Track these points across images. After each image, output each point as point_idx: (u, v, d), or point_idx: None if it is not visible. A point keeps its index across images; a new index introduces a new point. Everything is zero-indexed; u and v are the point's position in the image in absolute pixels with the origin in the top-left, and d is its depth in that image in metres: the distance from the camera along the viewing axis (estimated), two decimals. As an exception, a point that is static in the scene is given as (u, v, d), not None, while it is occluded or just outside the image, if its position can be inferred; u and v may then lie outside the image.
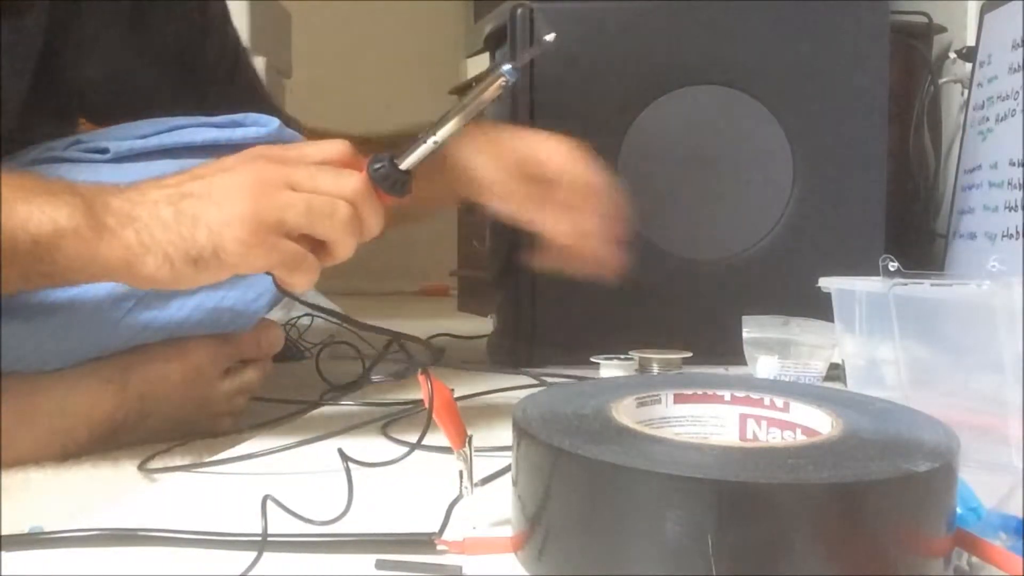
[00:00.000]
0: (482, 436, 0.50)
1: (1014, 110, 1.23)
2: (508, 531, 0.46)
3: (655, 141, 1.11)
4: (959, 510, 0.41)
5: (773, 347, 0.94)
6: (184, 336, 0.71)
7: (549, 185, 0.85)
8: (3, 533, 0.47)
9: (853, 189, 1.13)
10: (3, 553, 0.45)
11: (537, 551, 0.42)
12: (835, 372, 0.94)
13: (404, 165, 0.61)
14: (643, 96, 1.11)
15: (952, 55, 1.47)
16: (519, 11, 1.11)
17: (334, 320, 0.69)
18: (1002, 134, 1.25)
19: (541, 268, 0.87)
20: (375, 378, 0.96)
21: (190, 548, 0.46)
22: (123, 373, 0.68)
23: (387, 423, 0.74)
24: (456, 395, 0.50)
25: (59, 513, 0.53)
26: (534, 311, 1.12)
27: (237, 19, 1.79)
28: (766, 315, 0.96)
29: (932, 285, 0.73)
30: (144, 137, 0.70)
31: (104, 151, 0.69)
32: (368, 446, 0.66)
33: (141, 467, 0.63)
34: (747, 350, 0.96)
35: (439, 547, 0.45)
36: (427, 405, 0.48)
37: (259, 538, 0.43)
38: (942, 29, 1.50)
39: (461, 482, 0.48)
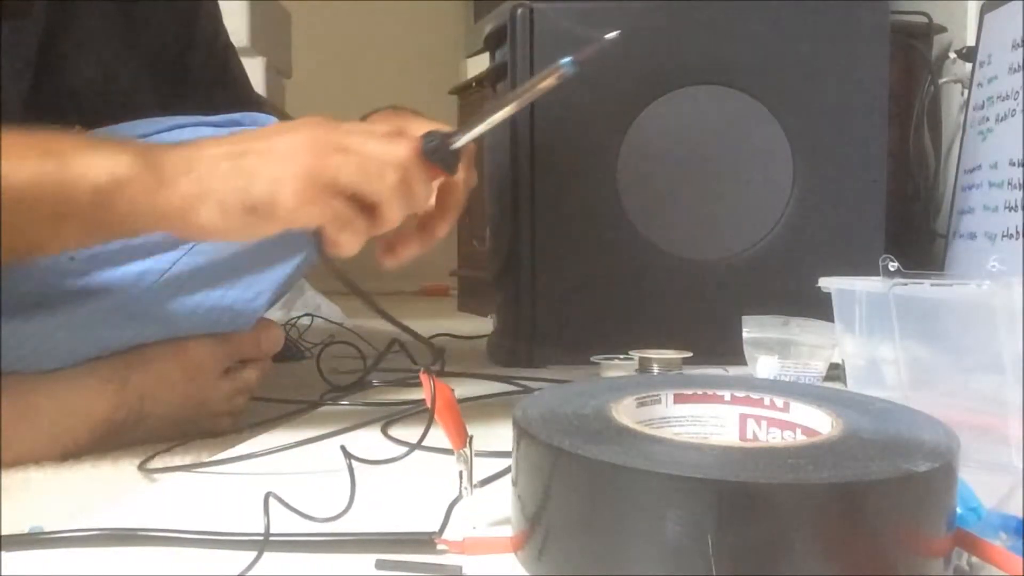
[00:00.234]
0: (482, 437, 0.50)
1: (1014, 110, 1.23)
2: (508, 531, 0.46)
3: (655, 141, 1.11)
4: (959, 510, 0.41)
5: (773, 347, 0.94)
6: (184, 336, 0.71)
7: None
8: (3, 533, 0.47)
9: (853, 189, 1.13)
10: (3, 553, 0.45)
11: (537, 551, 0.42)
12: (835, 372, 0.94)
13: (456, 144, 0.64)
14: (643, 96, 1.11)
15: (952, 55, 1.47)
16: (519, 11, 1.11)
17: (387, 317, 0.70)
18: (1002, 134, 1.25)
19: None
20: (375, 382, 0.96)
21: (190, 548, 0.46)
22: (123, 373, 0.68)
23: (387, 423, 0.74)
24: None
25: (59, 513, 0.53)
26: (534, 311, 1.13)
27: (237, 19, 1.80)
28: (766, 315, 0.96)
29: (932, 285, 0.73)
30: (144, 136, 0.70)
31: None
32: (368, 446, 0.66)
33: (141, 467, 0.63)
34: (747, 350, 0.96)
35: (439, 547, 0.45)
36: (429, 405, 0.48)
37: (259, 538, 0.43)
38: (942, 29, 1.50)
39: (461, 482, 0.48)
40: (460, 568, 0.43)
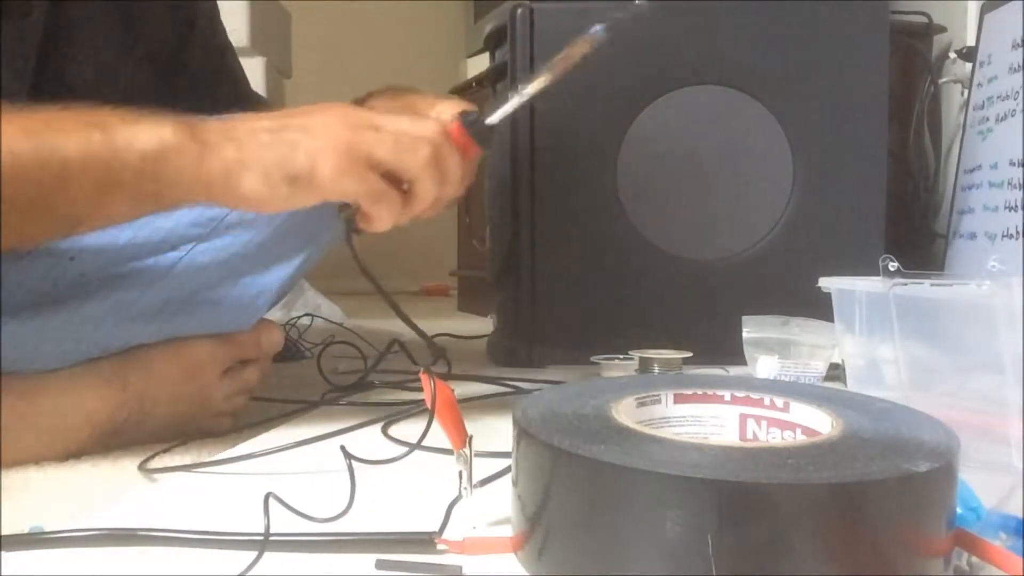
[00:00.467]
0: (482, 437, 0.50)
1: (1014, 110, 1.23)
2: (508, 531, 0.46)
3: (655, 141, 1.11)
4: (959, 510, 0.41)
5: (773, 347, 0.94)
6: (184, 336, 0.71)
7: None
8: (3, 533, 0.47)
9: (853, 189, 1.13)
10: (3, 553, 0.45)
11: (537, 551, 0.42)
12: (835, 372, 0.94)
13: (491, 120, 0.68)
14: (643, 96, 1.11)
15: (952, 55, 1.47)
16: (519, 11, 1.11)
17: (403, 316, 0.72)
18: (1002, 134, 1.25)
19: None
20: (375, 382, 0.96)
21: (190, 548, 0.46)
22: (123, 373, 0.68)
23: (387, 423, 0.74)
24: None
25: (59, 513, 0.53)
26: (534, 311, 1.13)
27: (237, 19, 1.80)
28: (766, 315, 0.96)
29: (932, 285, 0.73)
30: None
31: None
32: (368, 446, 0.66)
33: (141, 467, 0.63)
34: (747, 350, 0.96)
35: (439, 547, 0.45)
36: (429, 404, 0.48)
37: (259, 538, 0.43)
38: (942, 29, 1.50)
39: (461, 482, 0.48)
40: (460, 568, 0.43)
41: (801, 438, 0.48)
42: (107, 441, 0.68)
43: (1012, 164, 1.21)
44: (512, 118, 1.12)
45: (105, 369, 0.68)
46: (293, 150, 0.60)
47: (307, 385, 0.96)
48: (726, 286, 1.12)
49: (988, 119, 1.30)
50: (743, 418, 0.52)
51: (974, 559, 0.42)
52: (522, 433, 0.43)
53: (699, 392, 0.52)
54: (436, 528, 0.46)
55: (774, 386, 0.56)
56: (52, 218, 0.57)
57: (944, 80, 1.51)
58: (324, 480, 0.59)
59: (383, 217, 0.63)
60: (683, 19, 1.12)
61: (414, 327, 0.77)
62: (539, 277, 1.12)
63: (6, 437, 0.63)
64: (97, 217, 0.60)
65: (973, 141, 1.34)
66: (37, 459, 0.65)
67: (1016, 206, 1.18)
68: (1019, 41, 1.24)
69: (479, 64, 2.18)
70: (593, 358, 0.99)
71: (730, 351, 0.97)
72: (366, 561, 0.44)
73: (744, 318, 0.96)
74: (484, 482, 0.53)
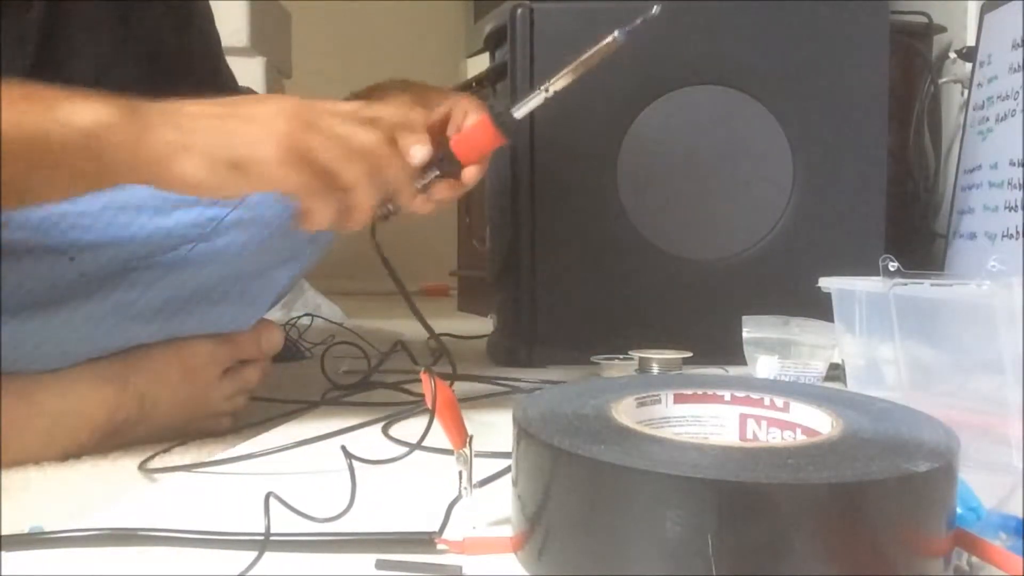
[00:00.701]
0: (482, 437, 0.50)
1: (1014, 110, 1.23)
2: (508, 531, 0.46)
3: (655, 141, 1.11)
4: (959, 510, 0.41)
5: (773, 347, 0.94)
6: (184, 336, 0.71)
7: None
8: (3, 533, 0.47)
9: (853, 189, 1.13)
10: (3, 553, 0.45)
11: (537, 551, 0.42)
12: (835, 372, 0.94)
13: (517, 114, 0.74)
14: (643, 96, 1.11)
15: (952, 55, 1.47)
16: (519, 11, 1.11)
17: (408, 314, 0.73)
18: (1002, 134, 1.25)
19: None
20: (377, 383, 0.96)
21: (190, 548, 0.46)
22: (123, 373, 0.68)
23: (387, 423, 0.74)
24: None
25: (59, 513, 0.53)
26: (534, 311, 1.13)
27: (237, 19, 1.80)
28: (766, 315, 0.96)
29: (932, 285, 0.73)
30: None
31: None
32: (369, 446, 0.66)
33: (141, 467, 0.63)
34: (747, 350, 0.96)
35: (439, 547, 0.45)
36: (429, 404, 0.48)
37: (259, 538, 0.44)
38: (942, 29, 1.50)
39: (461, 482, 0.48)
40: (460, 568, 0.43)
41: (801, 438, 0.48)
42: (107, 441, 0.68)
43: (1012, 164, 1.21)
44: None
45: (105, 369, 0.68)
46: (233, 137, 0.59)
47: (307, 385, 0.96)
48: (726, 286, 1.12)
49: (988, 119, 1.30)
50: (743, 418, 0.52)
51: (974, 559, 0.42)
52: (522, 433, 0.43)
53: (699, 392, 0.52)
54: (436, 528, 0.46)
55: (774, 386, 0.56)
56: None
57: (944, 80, 1.51)
58: (324, 480, 0.59)
59: (319, 215, 0.62)
60: (683, 19, 1.12)
61: (427, 327, 0.84)
62: (539, 277, 1.12)
63: (6, 437, 0.63)
64: (35, 192, 0.59)
65: (973, 141, 1.34)
66: (37, 459, 0.65)
67: (1016, 206, 1.18)
68: (1019, 41, 1.24)
69: (479, 64, 2.18)
70: (593, 358, 0.99)
71: (730, 351, 0.97)
72: (366, 561, 0.44)
73: (744, 318, 0.96)
74: (484, 482, 0.53)
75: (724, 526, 0.35)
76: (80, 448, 0.67)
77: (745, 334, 0.96)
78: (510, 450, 0.45)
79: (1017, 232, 1.17)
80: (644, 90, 1.11)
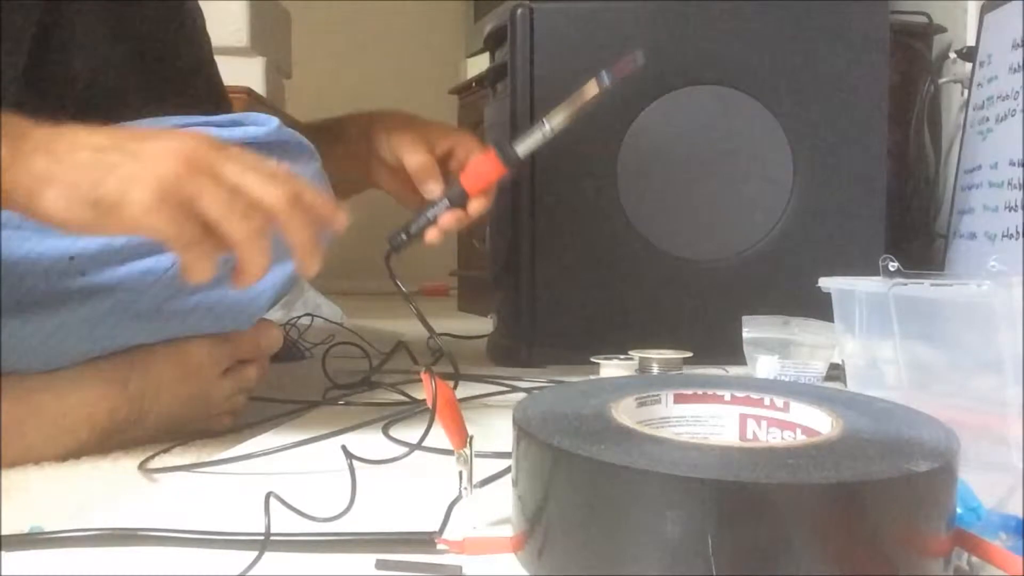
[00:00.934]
0: (482, 437, 0.50)
1: (1014, 110, 1.23)
2: (508, 531, 0.46)
3: (655, 141, 1.11)
4: (959, 510, 0.41)
5: (773, 347, 0.94)
6: (184, 336, 0.71)
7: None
8: (3, 533, 0.47)
9: (853, 189, 1.13)
10: (3, 553, 0.45)
11: (537, 551, 0.42)
12: (835, 372, 0.94)
13: (521, 152, 0.85)
14: (643, 96, 1.11)
15: (952, 55, 1.47)
16: (519, 11, 1.11)
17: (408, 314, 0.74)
18: (1002, 134, 1.25)
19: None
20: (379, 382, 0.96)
21: (190, 548, 0.46)
22: (123, 373, 0.68)
23: (388, 423, 0.74)
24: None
25: (59, 513, 0.53)
26: (534, 311, 1.13)
27: (237, 19, 1.80)
28: (766, 315, 0.96)
29: (932, 285, 0.73)
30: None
31: None
32: (369, 446, 0.66)
33: (141, 467, 0.63)
34: (747, 350, 0.96)
35: (439, 547, 0.45)
36: (430, 404, 0.48)
37: (259, 538, 0.44)
38: (942, 29, 1.50)
39: (461, 482, 0.48)
40: (460, 568, 0.43)
41: (801, 438, 0.48)
42: (107, 441, 0.68)
43: (1012, 164, 1.21)
44: (512, 117, 1.13)
45: (105, 369, 0.68)
46: (108, 173, 0.54)
47: (307, 385, 0.96)
48: (726, 286, 1.12)
49: (988, 119, 1.30)
50: (743, 418, 0.52)
51: (974, 559, 0.42)
52: (522, 433, 0.43)
53: (699, 392, 0.52)
54: (436, 528, 0.46)
55: (774, 386, 0.56)
56: None
57: (944, 80, 1.51)
58: (324, 480, 0.59)
59: (194, 270, 0.56)
60: (683, 19, 1.12)
61: (430, 328, 0.88)
62: (539, 277, 1.12)
63: (6, 437, 0.63)
64: None
65: (973, 141, 1.34)
66: (37, 459, 0.65)
67: (1016, 206, 1.18)
68: (1019, 41, 1.24)
69: (479, 64, 2.18)
70: (593, 358, 0.99)
71: (730, 351, 0.97)
72: (366, 561, 0.44)
73: (744, 318, 0.96)
74: (484, 482, 0.53)
75: (724, 526, 0.35)
76: (80, 448, 0.67)
77: (745, 334, 0.96)
78: (510, 450, 0.45)
79: (1017, 232, 1.17)
80: (644, 90, 1.11)
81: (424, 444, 0.61)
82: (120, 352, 0.68)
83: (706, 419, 0.52)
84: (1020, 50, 1.24)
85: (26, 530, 0.48)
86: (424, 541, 0.46)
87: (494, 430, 0.68)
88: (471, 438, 0.48)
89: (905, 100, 1.44)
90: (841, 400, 0.50)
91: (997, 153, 1.26)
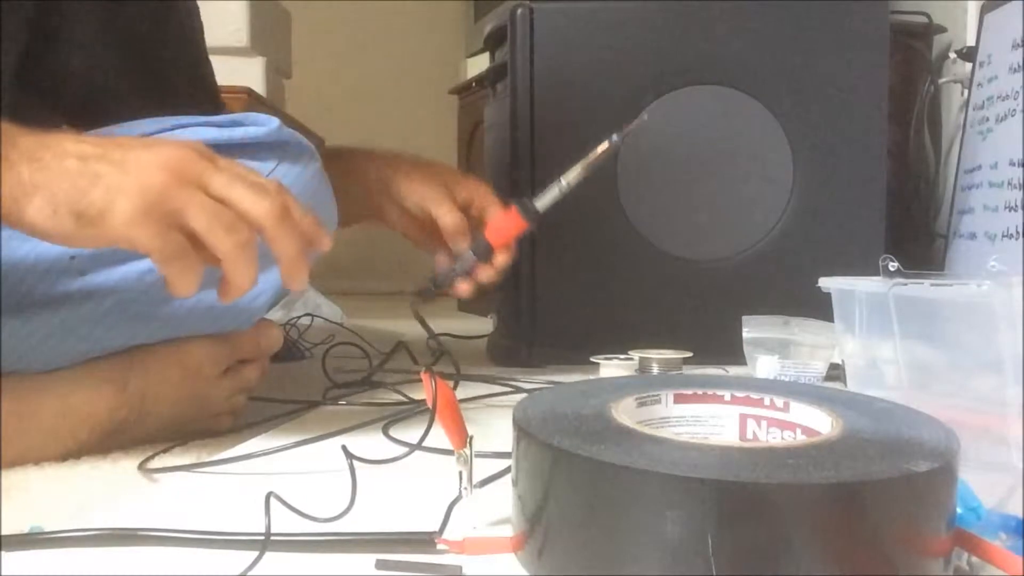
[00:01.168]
0: (482, 437, 0.50)
1: (1014, 110, 1.23)
2: (508, 531, 0.46)
3: (655, 141, 1.11)
4: (959, 510, 0.41)
5: (773, 347, 0.94)
6: (184, 336, 0.71)
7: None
8: (3, 533, 0.47)
9: (853, 189, 1.13)
10: (3, 553, 0.45)
11: (537, 551, 0.42)
12: (835, 372, 0.94)
13: (541, 206, 0.92)
14: (643, 96, 1.11)
15: (952, 55, 1.47)
16: (519, 11, 1.11)
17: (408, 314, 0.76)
18: (1002, 134, 1.25)
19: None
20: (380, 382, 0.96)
21: (190, 548, 0.46)
22: (123, 373, 0.68)
23: (388, 423, 0.74)
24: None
25: (59, 513, 0.53)
26: (534, 311, 1.13)
27: (237, 19, 1.80)
28: (766, 315, 0.96)
29: (932, 285, 0.73)
30: (147, 136, 0.70)
31: None
32: (369, 446, 0.66)
33: (141, 467, 0.63)
34: (747, 350, 0.96)
35: (439, 547, 0.45)
36: (431, 405, 0.48)
37: (259, 538, 0.44)
38: (942, 29, 1.50)
39: (460, 482, 0.48)
40: (460, 568, 0.43)
41: (801, 438, 0.48)
42: (107, 441, 0.68)
43: (1012, 164, 1.21)
44: (513, 117, 1.13)
45: (105, 369, 0.68)
46: (93, 183, 0.54)
47: (307, 385, 0.96)
48: (726, 286, 1.12)
49: (988, 119, 1.30)
50: (743, 418, 0.52)
51: (974, 559, 0.42)
52: (522, 433, 0.43)
53: (699, 392, 0.52)
54: (436, 528, 0.46)
55: (774, 386, 0.56)
56: None
57: (944, 80, 1.51)
58: (325, 480, 0.59)
59: (178, 283, 0.56)
60: (683, 19, 1.12)
61: (429, 329, 0.91)
62: (539, 277, 1.12)
63: (6, 437, 0.63)
64: None
65: (973, 141, 1.34)
66: (37, 459, 0.65)
67: (1016, 206, 1.18)
68: (1019, 41, 1.24)
69: (479, 64, 2.18)
70: (593, 358, 0.99)
71: (730, 351, 0.97)
72: (366, 561, 0.44)
73: (744, 318, 0.96)
74: (484, 482, 0.53)
75: (724, 526, 0.35)
76: (80, 448, 0.67)
77: (745, 334, 0.96)
78: (510, 450, 0.45)
79: (1017, 232, 1.17)
80: (644, 90, 1.11)
81: (424, 444, 0.61)
82: (120, 352, 0.68)
83: (706, 419, 0.52)
84: (1020, 50, 1.24)
85: (26, 530, 0.48)
86: (424, 541, 0.46)
87: (494, 430, 0.68)
88: (471, 438, 0.48)
89: (905, 100, 1.44)
90: (841, 400, 0.50)
91: (997, 153, 1.26)
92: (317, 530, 0.47)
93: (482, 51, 1.72)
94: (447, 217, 0.94)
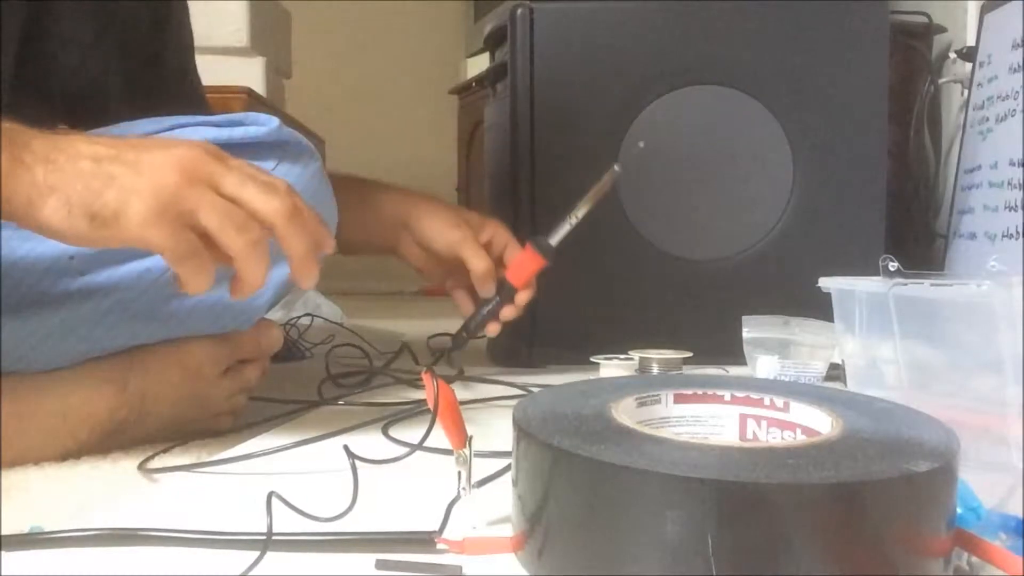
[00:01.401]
0: (482, 437, 0.50)
1: (1014, 110, 1.23)
2: (508, 531, 0.46)
3: (655, 141, 1.11)
4: (959, 510, 0.41)
5: (773, 347, 0.94)
6: (184, 336, 0.71)
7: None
8: (3, 533, 0.47)
9: (853, 189, 1.13)
10: (3, 553, 0.45)
11: (537, 551, 0.42)
12: (835, 372, 0.94)
13: (554, 242, 0.97)
14: (643, 96, 1.11)
15: (952, 55, 1.47)
16: (519, 11, 1.11)
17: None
18: (1002, 134, 1.25)
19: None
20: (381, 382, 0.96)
21: (190, 548, 0.46)
22: (123, 373, 0.68)
23: (388, 423, 0.74)
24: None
25: (59, 513, 0.53)
26: (534, 311, 1.12)
27: (237, 19, 1.80)
28: (766, 315, 0.96)
29: (932, 285, 0.73)
30: (145, 135, 0.70)
31: None
32: (369, 446, 0.66)
33: (141, 467, 0.63)
34: (747, 350, 0.96)
35: (439, 547, 0.45)
36: (431, 405, 0.48)
37: (259, 538, 0.44)
38: (942, 29, 1.50)
39: (459, 483, 0.48)
40: (460, 568, 0.43)
41: (801, 438, 0.48)
42: (107, 441, 0.68)
43: (1012, 164, 1.21)
44: (513, 117, 1.13)
45: (105, 369, 0.68)
46: (107, 185, 0.54)
47: (307, 385, 0.96)
48: (726, 286, 1.12)
49: (988, 119, 1.30)
50: (743, 418, 0.52)
51: (974, 559, 0.42)
52: (522, 433, 0.43)
53: (699, 392, 0.52)
54: (436, 528, 0.46)
55: (774, 386, 0.56)
56: None
57: (944, 80, 1.51)
58: (325, 480, 0.59)
59: (191, 282, 0.56)
60: (683, 19, 1.12)
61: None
62: (539, 277, 1.12)
63: (6, 437, 0.63)
64: None
65: (973, 141, 1.34)
66: (37, 459, 0.65)
67: (1016, 206, 1.18)
68: (1019, 41, 1.24)
69: (479, 64, 2.18)
70: (593, 358, 0.99)
71: (730, 351, 0.97)
72: (366, 561, 0.44)
73: (744, 318, 0.96)
74: (484, 482, 0.53)
75: (724, 526, 0.35)
76: (80, 448, 0.67)
77: (745, 334, 0.96)
78: (510, 450, 0.45)
79: (1017, 232, 1.17)
80: (644, 90, 1.11)
81: (424, 444, 0.61)
82: (120, 352, 0.68)
83: (706, 419, 0.52)
84: (1020, 50, 1.24)
85: (26, 530, 0.48)
86: (424, 541, 0.46)
87: (494, 430, 0.68)
88: (470, 438, 0.48)
89: (905, 100, 1.44)
90: (841, 400, 0.50)
91: (997, 153, 1.26)
92: (317, 530, 0.47)
93: (482, 51, 1.72)
94: (478, 263, 0.97)
